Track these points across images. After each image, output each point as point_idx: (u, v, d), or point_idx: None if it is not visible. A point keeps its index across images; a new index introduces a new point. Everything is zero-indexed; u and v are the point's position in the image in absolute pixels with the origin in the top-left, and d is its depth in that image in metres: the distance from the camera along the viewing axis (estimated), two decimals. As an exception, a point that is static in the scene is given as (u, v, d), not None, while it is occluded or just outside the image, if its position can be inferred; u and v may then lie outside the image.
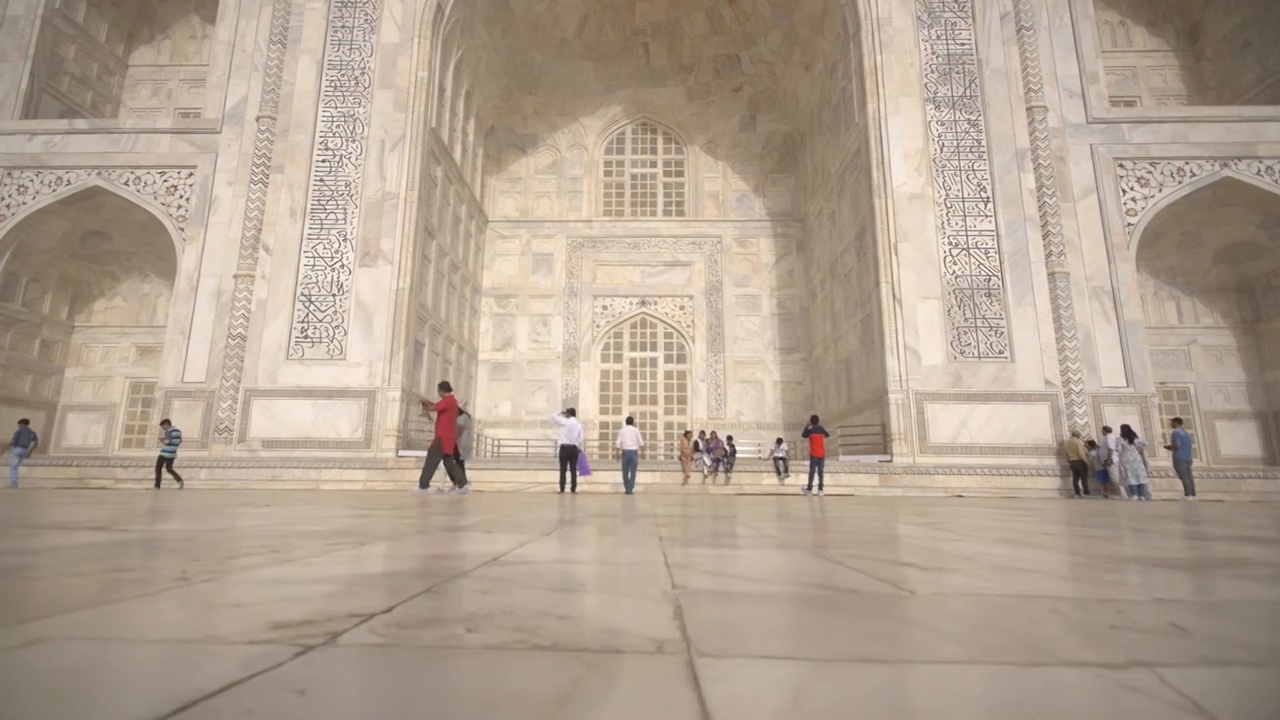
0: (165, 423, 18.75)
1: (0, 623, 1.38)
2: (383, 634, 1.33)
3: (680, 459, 21.15)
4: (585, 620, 1.49)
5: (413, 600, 1.71)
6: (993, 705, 1.03)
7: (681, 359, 30.02)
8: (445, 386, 15.28)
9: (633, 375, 30.00)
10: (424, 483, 14.18)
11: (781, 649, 1.29)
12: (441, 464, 14.49)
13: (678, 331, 30.10)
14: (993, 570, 2.54)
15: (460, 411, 15.16)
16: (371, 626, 1.39)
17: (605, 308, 30.29)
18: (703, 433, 22.63)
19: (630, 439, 18.45)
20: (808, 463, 18.80)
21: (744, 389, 29.60)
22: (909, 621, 1.58)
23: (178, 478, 18.07)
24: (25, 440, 18.67)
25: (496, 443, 28.45)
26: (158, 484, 17.95)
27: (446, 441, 14.32)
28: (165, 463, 18.00)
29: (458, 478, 14.37)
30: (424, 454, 20.82)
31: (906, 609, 1.74)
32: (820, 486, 18.31)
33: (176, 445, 18.26)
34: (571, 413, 18.49)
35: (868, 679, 1.09)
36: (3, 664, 1.09)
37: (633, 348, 30.20)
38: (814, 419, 19.57)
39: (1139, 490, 17.83)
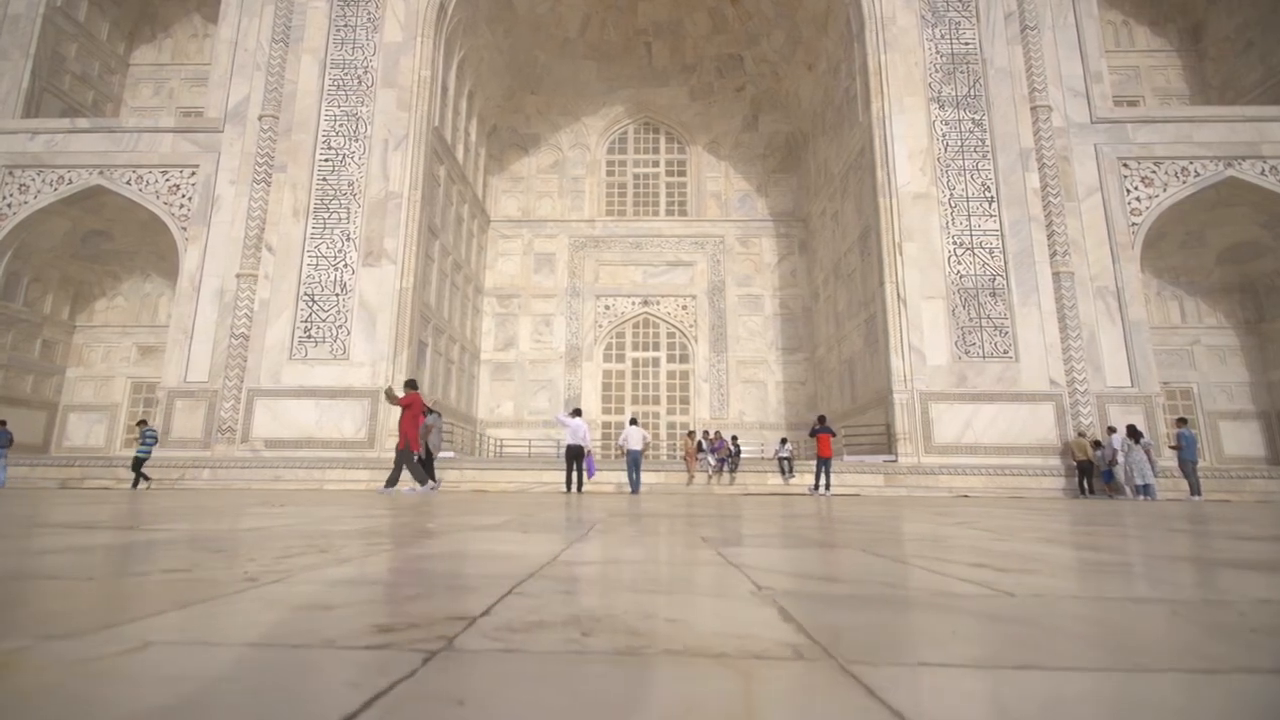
0: (141, 423, 18.67)
1: (89, 626, 1.33)
2: (497, 638, 1.27)
3: (685, 459, 21.09)
4: (696, 624, 1.44)
5: (504, 602, 1.65)
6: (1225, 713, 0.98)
7: (684, 359, 29.97)
8: (411, 384, 15.23)
9: (635, 375, 29.95)
10: (390, 482, 14.10)
11: (932, 656, 1.24)
12: (426, 465, 14.46)
13: (680, 331, 30.05)
14: (1069, 570, 2.50)
15: (429, 410, 15.09)
16: (481, 630, 1.34)
17: (608, 308, 30.24)
18: (706, 433, 22.57)
19: (635, 439, 18.40)
20: (814, 463, 18.75)
21: (746, 389, 29.57)
22: (1034, 624, 1.53)
23: (144, 478, 17.89)
24: (4, 441, 18.57)
25: (499, 443, 28.39)
26: (135, 484, 17.80)
27: (411, 440, 14.22)
28: (139, 462, 17.87)
29: (418, 475, 14.23)
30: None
31: (1021, 611, 1.69)
32: (827, 486, 18.26)
33: (152, 446, 18.16)
34: (578, 413, 18.43)
35: (1051, 686, 1.04)
36: (119, 671, 1.03)
37: (635, 348, 30.15)
38: (821, 419, 19.52)
39: (1145, 490, 17.80)
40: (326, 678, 1.01)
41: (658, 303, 30.27)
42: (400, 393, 16.08)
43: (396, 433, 20.12)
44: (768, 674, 1.05)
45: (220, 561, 2.43)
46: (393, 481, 14.19)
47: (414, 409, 14.56)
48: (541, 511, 6.88)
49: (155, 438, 18.40)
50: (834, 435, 18.90)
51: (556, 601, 1.68)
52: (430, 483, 14.62)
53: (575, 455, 17.56)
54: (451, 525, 4.59)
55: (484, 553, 2.86)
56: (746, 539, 3.76)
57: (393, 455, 20.04)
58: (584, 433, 17.81)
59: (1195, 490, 17.67)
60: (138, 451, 17.96)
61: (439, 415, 15.40)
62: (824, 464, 18.32)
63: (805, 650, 1.18)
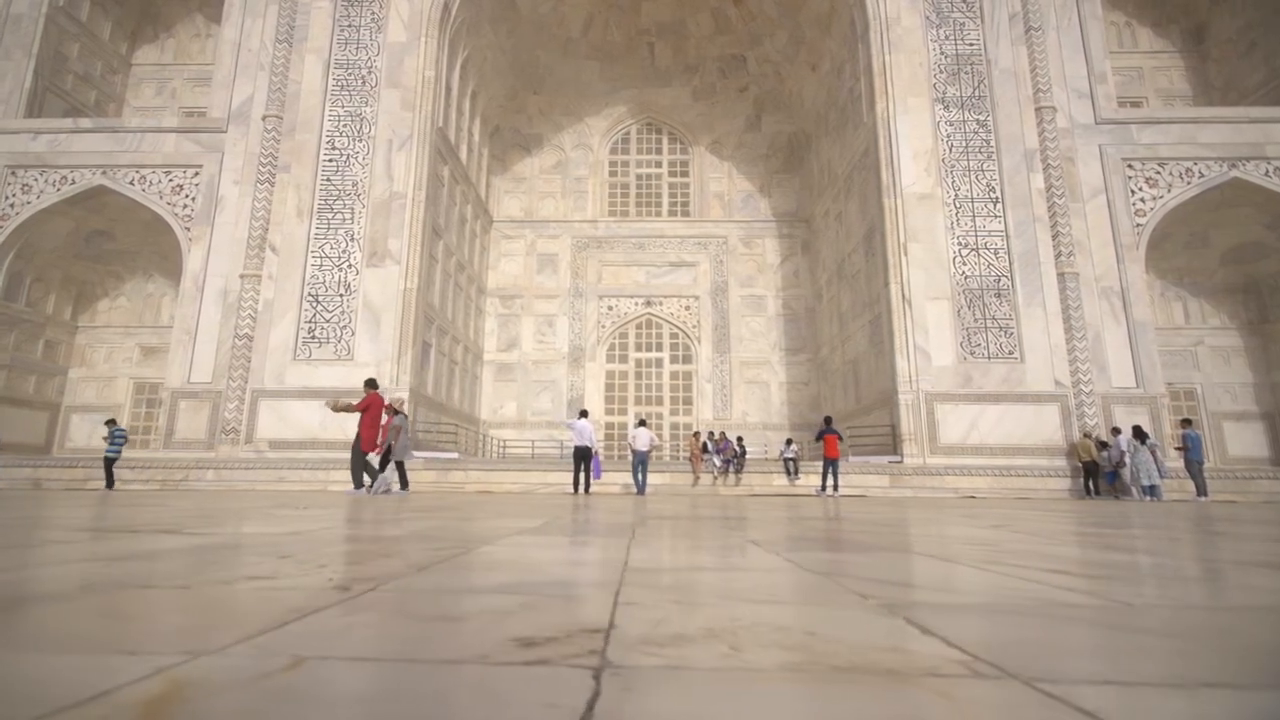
0: (111, 422, 18.56)
1: (225, 640, 1.30)
2: (649, 653, 1.24)
3: (690, 460, 21.06)
4: (838, 637, 1.40)
5: (622, 613, 1.62)
6: None
7: (687, 359, 29.95)
8: (370, 383, 15.02)
9: (638, 376, 29.92)
10: (356, 483, 13.98)
11: (1112, 673, 1.21)
12: (385, 466, 14.34)
13: (683, 332, 30.04)
14: (1150, 577, 2.48)
15: (396, 411, 14.98)
16: (623, 644, 1.31)
17: (610, 308, 30.21)
18: (711, 433, 22.54)
19: (643, 440, 18.38)
20: (819, 463, 18.73)
21: (750, 390, 29.56)
22: (1183, 637, 1.51)
23: (110, 480, 17.77)
24: None
25: (502, 443, 28.37)
26: (109, 484, 17.67)
27: (366, 440, 14.06)
28: (109, 463, 17.76)
29: (367, 473, 14.03)
30: (434, 454, 20.84)
31: (1156, 623, 1.67)
32: (835, 487, 18.23)
33: (120, 445, 18.08)
34: (584, 414, 18.44)
35: (1260, 704, 1.02)
36: (300, 692, 1.00)
37: (638, 348, 30.13)
38: (827, 420, 19.52)
39: (1151, 491, 17.81)
40: (516, 697, 0.98)
41: (661, 303, 30.26)
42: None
43: (401, 434, 20.37)
44: (965, 694, 1.02)
45: (293, 568, 2.40)
46: (358, 483, 14.06)
47: (373, 411, 14.37)
48: (566, 514, 6.86)
49: (124, 437, 18.33)
50: (840, 437, 18.88)
51: (674, 612, 1.64)
52: (381, 483, 14.31)
53: (583, 456, 17.57)
54: (493, 530, 4.55)
55: (550, 560, 2.84)
56: (797, 543, 3.73)
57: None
58: (591, 434, 17.82)
59: (1202, 491, 17.64)
60: (107, 452, 17.87)
61: (406, 416, 15.19)
62: (831, 465, 18.29)
63: (978, 667, 1.15)
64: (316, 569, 2.39)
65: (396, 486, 14.70)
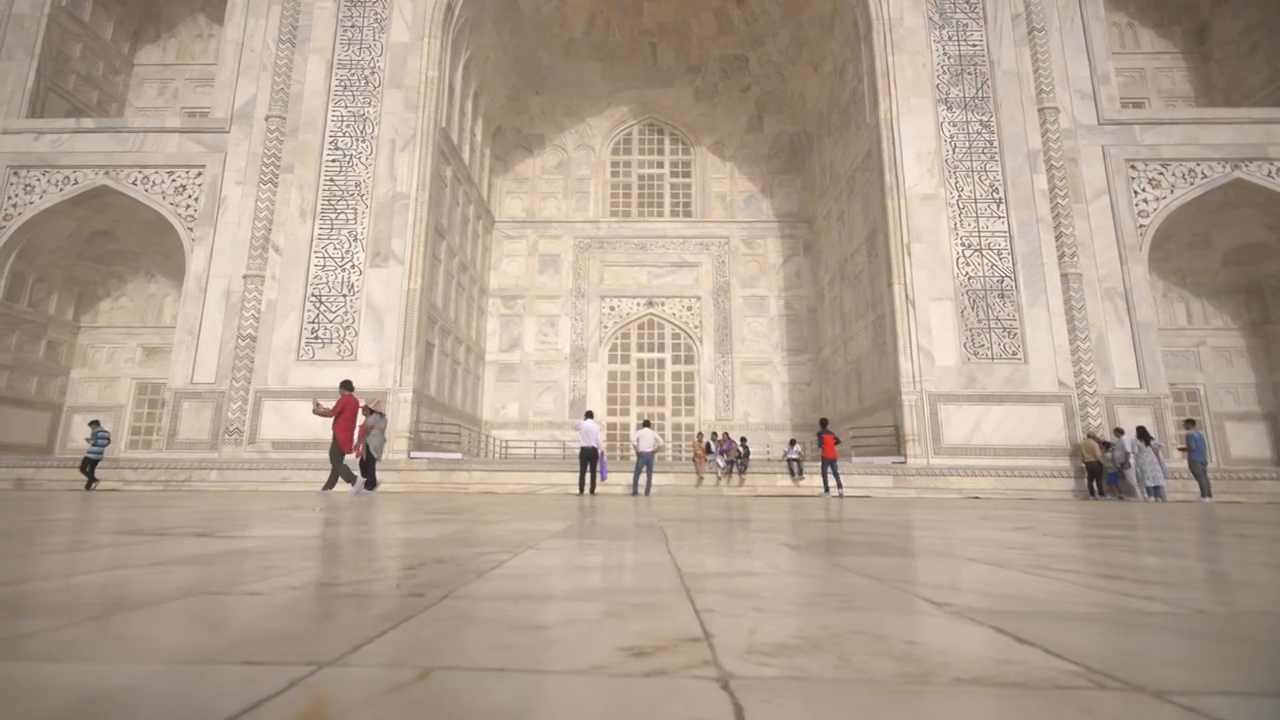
0: (94, 423, 18.56)
1: (338, 651, 1.30)
2: (763, 663, 1.24)
3: (694, 461, 21.07)
4: (937, 646, 1.40)
5: (710, 621, 1.62)
6: None
7: (689, 360, 29.96)
8: (346, 385, 15.05)
9: (640, 376, 29.92)
10: (329, 484, 14.04)
11: (1233, 684, 1.21)
12: (366, 467, 14.36)
13: (685, 332, 30.04)
14: (1204, 582, 2.49)
15: (371, 411, 14.97)
16: (731, 653, 1.30)
17: (613, 308, 30.21)
18: (714, 434, 22.54)
19: (647, 441, 18.38)
20: (819, 464, 18.75)
21: (752, 390, 29.57)
22: (1269, 645, 1.52)
23: (91, 482, 17.74)
24: None
25: (504, 444, 28.36)
26: (89, 486, 17.61)
27: (342, 442, 14.07)
28: (90, 464, 17.73)
29: (347, 476, 14.05)
30: (437, 455, 20.84)
31: (1245, 631, 1.67)
32: (839, 486, 18.26)
33: (104, 446, 18.06)
34: (590, 415, 18.44)
35: None
36: (439, 705, 1.01)
37: (640, 349, 30.13)
38: (823, 421, 19.59)
39: (1155, 492, 17.84)
40: (661, 710, 0.99)
41: (663, 304, 30.26)
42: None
43: (405, 434, 20.36)
44: (1106, 708, 1.02)
45: (351, 573, 2.40)
46: (330, 484, 14.05)
47: (348, 413, 14.37)
48: (585, 516, 6.86)
49: (107, 438, 18.32)
50: (838, 439, 18.94)
51: (761, 620, 1.64)
52: (360, 484, 14.37)
53: (589, 457, 17.57)
54: (521, 532, 4.55)
55: (600, 565, 2.85)
56: (832, 547, 3.73)
57: (400, 457, 20.09)
58: (597, 435, 17.82)
59: (1206, 492, 17.67)
60: (89, 452, 17.86)
61: (381, 415, 15.18)
62: (830, 465, 18.35)
63: (1097, 679, 1.15)
64: (375, 574, 2.39)
65: (360, 488, 14.71)
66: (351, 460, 15.09)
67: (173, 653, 1.30)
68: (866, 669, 1.21)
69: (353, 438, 14.42)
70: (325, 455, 19.81)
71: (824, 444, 18.48)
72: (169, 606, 1.78)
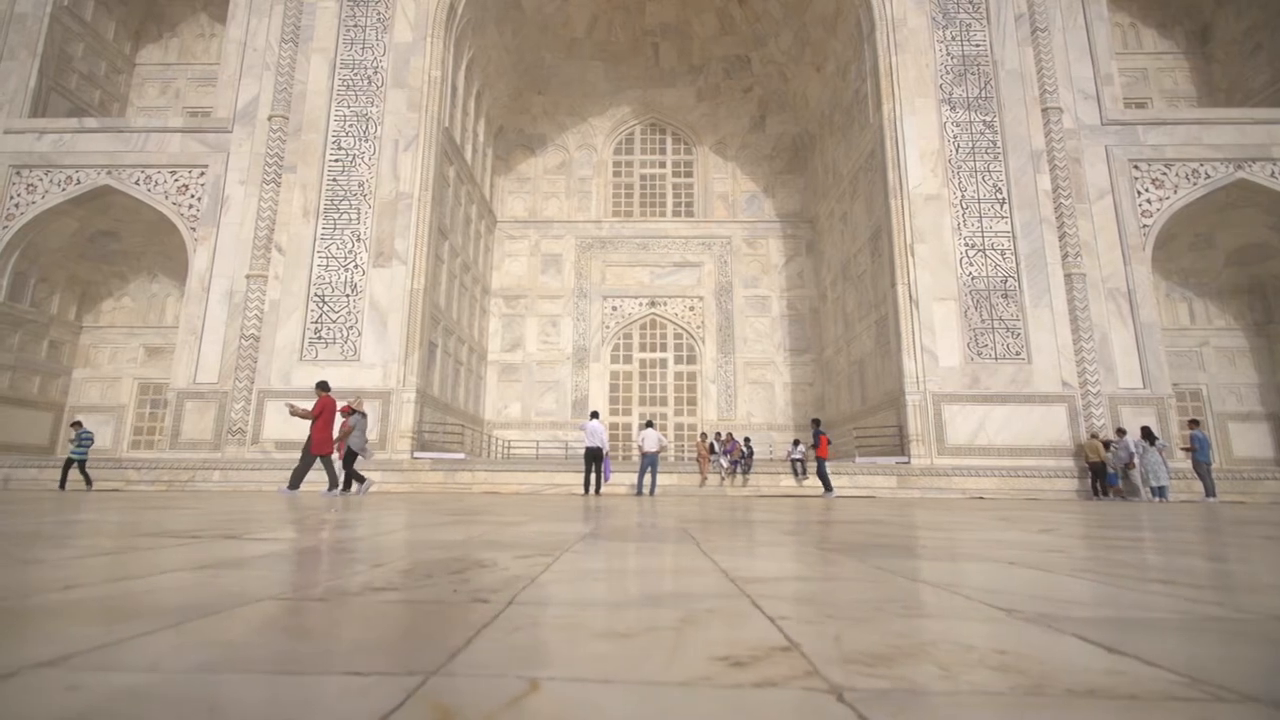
0: (76, 424, 18.51)
1: (422, 657, 1.29)
2: (863, 672, 1.23)
3: (698, 461, 21.08)
4: (1035, 657, 1.39)
5: (789, 629, 1.61)
6: None
7: (691, 360, 29.96)
8: (323, 386, 14.98)
9: (642, 376, 29.93)
10: (293, 484, 13.98)
11: None
12: (348, 467, 14.33)
13: (687, 332, 30.05)
14: (1247, 587, 2.48)
15: (353, 411, 14.92)
16: (827, 662, 1.30)
17: (615, 309, 30.21)
18: (718, 434, 22.55)
19: (651, 441, 18.38)
20: (822, 464, 18.78)
21: (754, 390, 29.57)
22: None
23: (89, 480, 17.79)
24: None
25: (506, 444, 28.35)
26: (62, 485, 17.57)
27: (316, 443, 14.00)
28: (76, 464, 17.72)
29: (296, 477, 13.97)
30: (440, 455, 20.83)
31: None
32: (829, 489, 18.36)
33: (88, 447, 18.03)
34: (595, 415, 18.44)
35: None
36: (557, 717, 1.00)
37: (642, 349, 30.13)
38: (816, 421, 19.65)
39: (1159, 492, 17.86)
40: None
41: (665, 304, 30.26)
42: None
43: (409, 434, 20.35)
44: (1239, 720, 1.02)
45: (400, 578, 2.38)
46: (295, 484, 13.99)
47: (326, 414, 14.30)
48: (602, 518, 6.85)
49: (91, 439, 18.28)
50: (830, 440, 19.05)
51: (840, 629, 1.63)
52: (344, 487, 14.29)
53: (594, 457, 17.58)
54: (547, 534, 4.55)
55: (644, 568, 2.84)
56: (866, 549, 3.72)
57: (404, 457, 20.08)
58: (603, 435, 17.83)
59: (1210, 492, 17.71)
60: (71, 453, 17.81)
61: (363, 415, 15.13)
62: (821, 465, 18.46)
63: (1208, 690, 1.15)
64: (424, 578, 2.38)
65: (355, 486, 14.67)
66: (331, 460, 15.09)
67: (273, 661, 1.28)
68: (973, 680, 1.20)
69: (330, 438, 14.36)
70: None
71: (821, 444, 18.54)
72: (244, 612, 1.76)
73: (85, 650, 1.34)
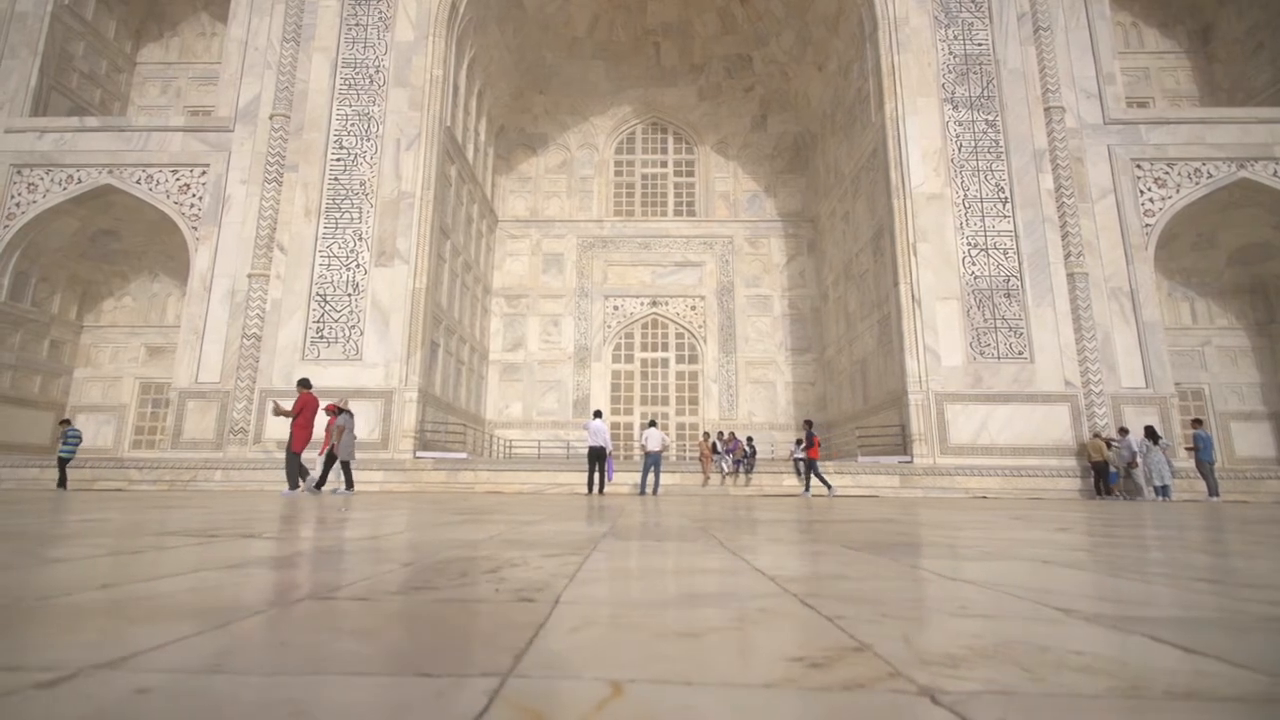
0: (65, 422, 18.49)
1: (490, 659, 1.26)
2: (945, 674, 1.19)
3: (700, 460, 21.05)
4: (1112, 657, 1.36)
5: (854, 629, 1.58)
6: None
7: (693, 359, 29.92)
8: (304, 383, 14.84)
9: (644, 376, 29.89)
10: (292, 484, 13.95)
11: None
12: (334, 466, 14.29)
13: (689, 332, 30.01)
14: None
15: (340, 410, 14.87)
16: (906, 663, 1.27)
17: (616, 308, 30.16)
18: (721, 433, 22.53)
19: (654, 441, 18.35)
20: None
21: (756, 389, 29.54)
22: None
23: (63, 480, 17.67)
24: None
25: (508, 443, 28.32)
26: (60, 484, 17.55)
27: (295, 440, 13.94)
28: (62, 463, 17.64)
29: (291, 477, 13.94)
30: (443, 455, 20.79)
31: None
32: (808, 488, 18.36)
33: (75, 446, 17.97)
34: (598, 414, 18.40)
35: None
36: None
37: (644, 348, 30.09)
38: (808, 424, 19.62)
39: (1162, 491, 17.85)
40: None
41: (666, 303, 30.22)
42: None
43: (411, 434, 20.32)
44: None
45: (439, 578, 2.35)
46: (293, 484, 13.98)
47: (307, 412, 14.24)
48: (614, 517, 6.82)
49: (79, 438, 18.22)
50: (820, 442, 19.10)
51: (905, 629, 1.60)
52: (312, 483, 14.25)
53: (597, 456, 17.53)
54: (566, 534, 4.52)
55: (678, 568, 2.81)
56: (894, 549, 3.69)
57: (406, 457, 20.04)
58: (606, 434, 17.79)
59: (1213, 491, 17.70)
60: (60, 452, 17.75)
61: (350, 415, 15.07)
62: (813, 466, 18.45)
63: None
64: (459, 577, 2.35)
65: (341, 486, 14.61)
66: (311, 459, 15.05)
67: (339, 662, 1.25)
68: (1064, 683, 1.17)
69: (309, 436, 14.29)
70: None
71: (814, 445, 18.56)
72: (289, 612, 1.73)
73: (145, 650, 1.31)
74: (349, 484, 14.80)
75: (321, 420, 15.21)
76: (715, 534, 4.57)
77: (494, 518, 6.28)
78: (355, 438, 15.36)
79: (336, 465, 15.34)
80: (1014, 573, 2.70)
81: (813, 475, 18.43)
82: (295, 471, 14.06)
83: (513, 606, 1.85)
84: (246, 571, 2.49)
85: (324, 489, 14.65)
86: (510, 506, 8.80)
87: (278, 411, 14.03)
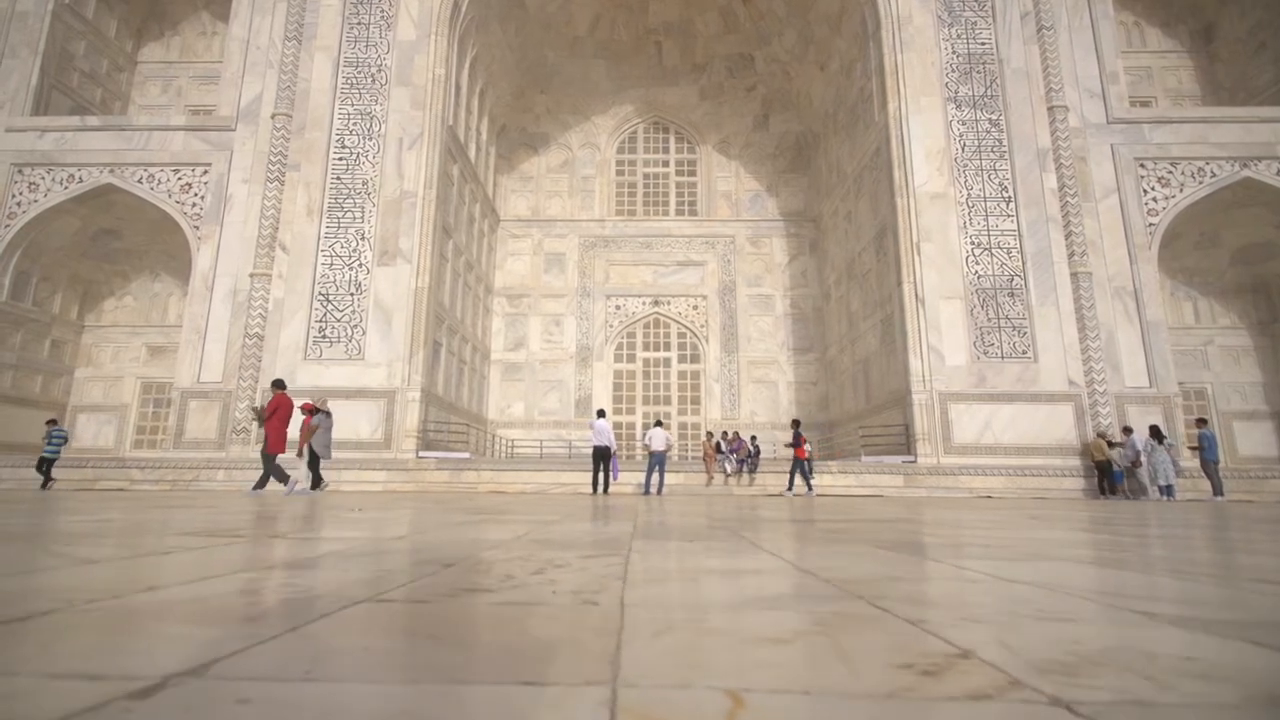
0: (51, 421, 18.37)
1: (588, 668, 1.21)
2: (1069, 683, 1.14)
3: (704, 460, 21.03)
4: (1240, 664, 1.32)
5: (954, 634, 1.54)
6: None
7: (695, 359, 29.88)
8: (278, 384, 14.80)
9: (646, 375, 29.84)
10: (260, 483, 13.88)
11: None
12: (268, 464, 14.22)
13: (691, 331, 29.97)
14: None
15: (316, 410, 14.80)
16: (1021, 671, 1.23)
17: (618, 308, 30.12)
18: (725, 433, 22.50)
19: (659, 440, 18.31)
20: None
21: (758, 389, 29.49)
22: None
23: (47, 481, 17.60)
24: None
25: (510, 443, 28.27)
26: (44, 485, 17.45)
27: (272, 442, 13.87)
28: (47, 463, 17.56)
29: (279, 476, 13.84)
30: (445, 455, 20.74)
31: None
32: (791, 487, 18.33)
33: (59, 446, 17.88)
34: (602, 414, 18.35)
35: None
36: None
37: (646, 348, 30.04)
38: (796, 423, 19.58)
39: (1167, 491, 17.83)
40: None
41: (668, 303, 30.18)
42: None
43: (414, 433, 20.25)
44: None
45: (482, 577, 2.31)
46: (262, 483, 13.90)
47: (281, 412, 14.17)
48: (632, 517, 6.77)
49: (64, 437, 18.14)
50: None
51: (1007, 636, 1.55)
52: (293, 484, 14.13)
53: (602, 456, 17.48)
54: (594, 533, 4.47)
55: (729, 569, 2.77)
56: (926, 549, 3.66)
57: (409, 456, 19.99)
58: (610, 434, 17.74)
59: (1218, 490, 17.66)
60: (45, 452, 17.66)
61: (327, 414, 14.99)
62: (800, 466, 18.44)
63: None
64: (507, 578, 2.31)
65: (305, 485, 14.53)
66: (288, 459, 14.96)
67: (432, 670, 1.21)
68: (1193, 691, 1.12)
69: (284, 436, 14.22)
70: (335, 455, 19.67)
71: (800, 445, 18.58)
72: (352, 615, 1.68)
73: (223, 656, 1.26)
74: (316, 482, 14.69)
75: (298, 420, 15.15)
76: (743, 534, 4.53)
77: (510, 518, 6.24)
78: (332, 438, 15.24)
79: (321, 461, 15.26)
80: (1063, 573, 2.65)
81: (797, 474, 18.41)
82: (269, 471, 13.92)
83: (577, 610, 1.81)
84: (286, 573, 2.44)
85: (321, 488, 14.53)
86: (520, 506, 8.75)
87: (255, 414, 14.01)
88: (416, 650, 1.34)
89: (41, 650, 1.34)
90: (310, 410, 14.85)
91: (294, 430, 15.23)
